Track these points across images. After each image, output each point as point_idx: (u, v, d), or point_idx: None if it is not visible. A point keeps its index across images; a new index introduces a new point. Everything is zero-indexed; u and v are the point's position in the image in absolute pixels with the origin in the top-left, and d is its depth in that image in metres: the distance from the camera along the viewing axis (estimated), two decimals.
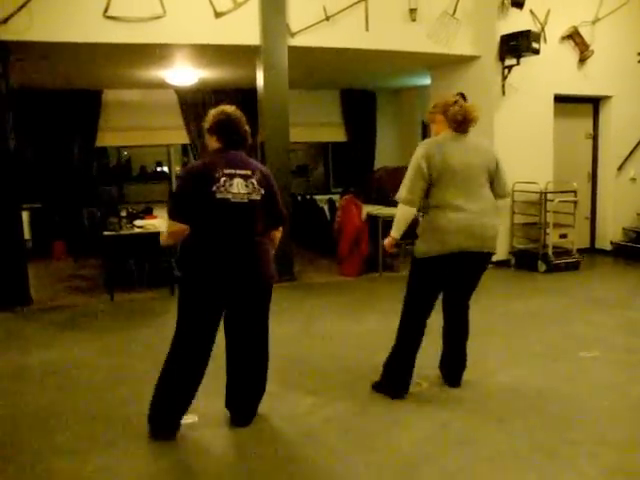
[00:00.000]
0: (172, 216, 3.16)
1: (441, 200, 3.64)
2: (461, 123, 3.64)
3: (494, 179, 3.77)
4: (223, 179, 3.12)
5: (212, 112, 3.33)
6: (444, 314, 3.98)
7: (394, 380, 3.86)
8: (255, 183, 3.22)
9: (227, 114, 3.27)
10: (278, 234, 3.47)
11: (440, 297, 3.88)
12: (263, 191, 3.25)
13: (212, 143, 3.31)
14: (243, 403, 3.50)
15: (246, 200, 3.17)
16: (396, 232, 3.80)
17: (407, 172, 3.71)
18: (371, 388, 3.96)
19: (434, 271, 3.72)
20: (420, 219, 3.82)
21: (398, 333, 3.87)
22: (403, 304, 3.85)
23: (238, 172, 3.16)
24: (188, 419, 3.46)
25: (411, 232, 3.87)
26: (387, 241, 3.89)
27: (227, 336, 3.41)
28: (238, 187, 3.15)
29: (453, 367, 4.00)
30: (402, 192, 3.70)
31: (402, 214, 3.74)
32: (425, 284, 3.78)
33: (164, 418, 3.37)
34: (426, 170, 3.60)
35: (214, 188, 3.09)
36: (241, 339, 3.39)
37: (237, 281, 3.23)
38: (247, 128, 3.32)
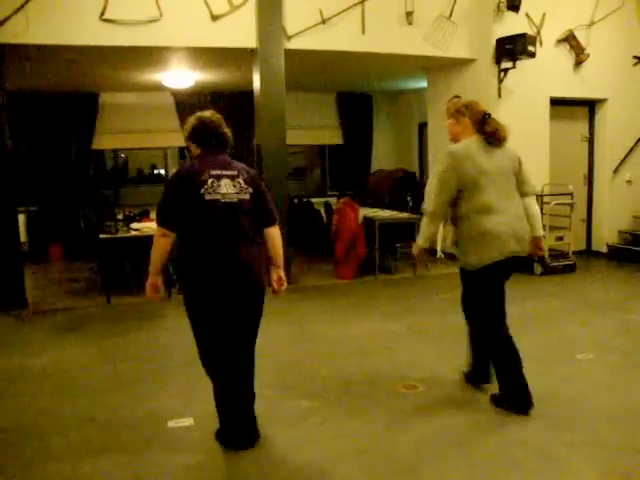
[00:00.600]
0: (160, 222, 3.17)
1: (480, 205, 3.55)
2: (496, 138, 3.65)
3: (519, 179, 3.74)
4: (210, 180, 3.14)
5: (189, 119, 3.39)
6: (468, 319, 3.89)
7: (514, 396, 3.64)
8: (242, 182, 3.24)
9: (202, 120, 3.31)
10: (273, 231, 3.38)
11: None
12: (251, 190, 3.26)
13: (193, 150, 3.37)
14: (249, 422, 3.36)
15: (235, 200, 3.18)
16: (422, 241, 3.73)
17: (432, 182, 3.64)
18: (490, 401, 3.76)
19: (494, 279, 3.62)
20: (453, 227, 3.73)
21: (492, 356, 3.77)
22: (478, 324, 3.77)
23: (224, 173, 3.19)
24: (184, 422, 3.46)
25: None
26: (415, 250, 3.82)
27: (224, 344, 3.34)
28: (226, 187, 3.17)
29: (485, 367, 3.92)
30: (428, 205, 3.64)
31: (427, 228, 3.69)
32: (490, 295, 3.66)
33: (234, 426, 3.30)
34: (454, 181, 3.54)
35: (202, 190, 3.11)
36: (233, 340, 3.31)
37: (231, 280, 3.19)
38: (226, 131, 3.34)
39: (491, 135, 3.64)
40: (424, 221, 3.71)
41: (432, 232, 3.69)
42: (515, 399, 3.61)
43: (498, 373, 3.70)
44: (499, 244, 3.51)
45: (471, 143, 3.63)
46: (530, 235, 3.70)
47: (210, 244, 3.15)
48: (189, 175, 3.18)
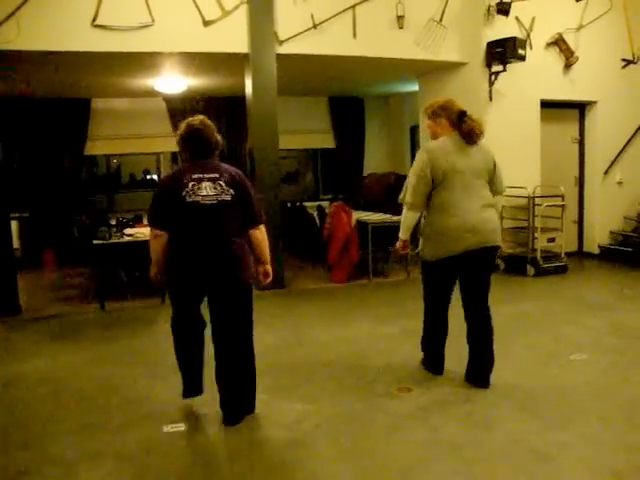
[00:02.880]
0: (150, 224, 3.48)
1: (445, 202, 3.80)
2: (470, 136, 3.84)
3: (492, 178, 3.95)
4: (191, 184, 3.33)
5: (181, 125, 3.55)
6: (466, 318, 4.05)
7: (429, 361, 4.26)
8: (223, 184, 3.39)
9: (191, 127, 3.48)
10: (258, 233, 3.54)
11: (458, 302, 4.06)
12: (232, 191, 3.40)
13: (183, 154, 3.58)
14: (229, 404, 3.58)
15: (215, 201, 3.35)
16: (403, 233, 4.02)
17: (410, 176, 3.89)
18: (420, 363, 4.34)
19: (445, 271, 3.94)
20: (422, 221, 3.98)
21: (423, 325, 4.25)
22: (424, 302, 4.18)
23: (206, 176, 3.37)
24: (179, 427, 3.46)
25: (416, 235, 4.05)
26: (398, 245, 4.10)
27: (212, 336, 3.57)
28: (207, 190, 3.34)
29: (480, 368, 4.02)
30: (405, 196, 3.91)
31: (406, 219, 3.95)
32: (438, 284, 4.04)
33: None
34: (429, 175, 3.77)
35: (184, 193, 3.31)
36: (221, 339, 3.51)
37: (212, 280, 3.43)
38: (215, 139, 3.50)
39: (467, 134, 3.85)
40: (404, 213, 3.97)
41: (411, 223, 3.96)
42: (432, 364, 4.22)
43: (425, 340, 4.28)
44: (454, 242, 3.80)
45: (448, 140, 3.86)
46: (497, 226, 3.94)
47: (191, 243, 3.39)
48: (173, 180, 3.43)
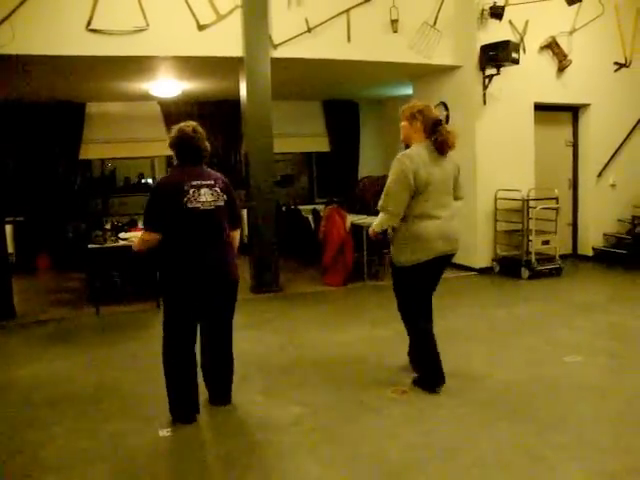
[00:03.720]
0: (147, 227, 3.58)
1: (422, 211, 3.86)
2: (442, 147, 3.87)
3: (455, 184, 4.05)
4: (192, 190, 3.49)
5: (173, 129, 3.68)
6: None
7: (427, 377, 4.08)
8: (219, 190, 3.61)
9: (180, 133, 3.60)
10: (236, 234, 3.82)
11: None
12: (225, 197, 3.63)
13: (175, 158, 3.68)
14: (218, 385, 3.89)
15: (213, 207, 3.56)
16: (377, 226, 4.04)
17: (390, 184, 3.86)
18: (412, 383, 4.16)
19: (419, 276, 3.95)
20: (395, 226, 3.98)
21: (410, 339, 4.26)
22: (403, 315, 4.16)
23: (204, 183, 3.55)
24: (172, 431, 3.46)
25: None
26: (370, 231, 4.14)
27: (203, 332, 3.83)
28: (205, 196, 3.52)
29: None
30: (388, 204, 3.87)
31: (385, 221, 3.97)
32: (413, 289, 4.02)
33: (178, 408, 3.71)
34: (412, 183, 3.78)
35: (185, 199, 3.46)
36: (217, 333, 3.80)
37: (211, 280, 3.60)
38: (204, 145, 3.64)
39: (440, 144, 3.87)
40: (382, 215, 3.96)
41: (388, 225, 4.00)
42: (432, 378, 4.02)
43: (417, 356, 4.21)
44: (428, 247, 3.87)
45: (423, 150, 3.88)
46: (459, 233, 4.05)
47: (193, 247, 3.53)
48: (172, 186, 3.53)
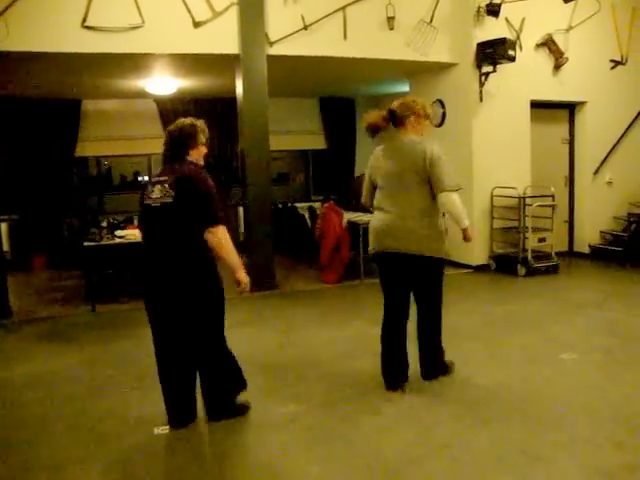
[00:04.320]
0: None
1: (375, 202, 4.01)
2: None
3: (430, 177, 3.75)
4: (149, 187, 3.46)
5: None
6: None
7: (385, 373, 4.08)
8: (167, 186, 3.37)
9: (168, 130, 3.58)
10: (211, 236, 3.33)
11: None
12: (174, 193, 3.33)
13: None
14: (207, 399, 3.63)
15: (159, 204, 3.38)
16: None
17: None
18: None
19: (378, 266, 4.09)
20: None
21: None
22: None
23: (159, 179, 3.43)
24: (167, 429, 3.45)
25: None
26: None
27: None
28: (156, 192, 3.40)
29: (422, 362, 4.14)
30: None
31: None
32: (380, 279, 4.12)
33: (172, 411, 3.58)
34: (368, 176, 4.07)
35: (144, 195, 3.47)
36: (174, 340, 3.53)
37: (149, 285, 3.49)
38: (179, 140, 3.51)
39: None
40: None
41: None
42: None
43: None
44: (375, 239, 3.96)
45: (384, 141, 3.99)
46: (419, 234, 3.81)
47: (144, 245, 3.54)
48: (144, 184, 3.66)
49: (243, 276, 3.44)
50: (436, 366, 4.14)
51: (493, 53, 7.46)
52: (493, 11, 7.57)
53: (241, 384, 3.67)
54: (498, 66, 7.63)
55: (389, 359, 4.02)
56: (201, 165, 3.56)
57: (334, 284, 7.55)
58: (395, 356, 4.01)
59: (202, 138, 3.55)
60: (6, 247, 9.04)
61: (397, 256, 3.87)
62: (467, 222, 3.87)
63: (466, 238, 3.98)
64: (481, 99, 7.90)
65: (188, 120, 3.56)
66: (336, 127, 11.86)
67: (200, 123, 3.56)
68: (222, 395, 3.62)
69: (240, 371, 3.66)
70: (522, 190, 7.91)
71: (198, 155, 3.55)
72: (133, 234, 6.87)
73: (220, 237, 3.34)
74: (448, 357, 4.24)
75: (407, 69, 8.61)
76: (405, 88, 9.68)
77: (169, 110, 10.30)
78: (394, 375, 4.01)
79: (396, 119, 3.90)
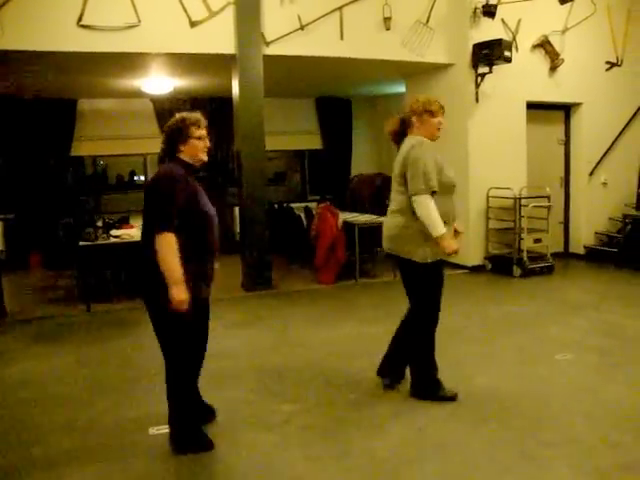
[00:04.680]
0: None
1: None
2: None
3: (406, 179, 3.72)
4: None
5: None
6: None
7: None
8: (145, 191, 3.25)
9: (163, 130, 3.40)
10: (158, 241, 3.02)
11: None
12: (145, 197, 3.18)
13: None
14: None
15: (141, 209, 3.23)
16: None
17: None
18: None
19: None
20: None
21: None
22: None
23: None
24: (165, 429, 3.45)
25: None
26: None
27: None
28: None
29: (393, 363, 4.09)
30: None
31: None
32: None
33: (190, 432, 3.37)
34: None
35: None
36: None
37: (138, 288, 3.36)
38: (166, 143, 3.30)
39: None
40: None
41: None
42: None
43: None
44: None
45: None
46: (392, 233, 3.83)
47: None
48: None
49: (175, 294, 3.00)
50: (420, 385, 3.87)
51: (489, 54, 7.48)
52: (489, 12, 7.59)
53: (200, 420, 3.47)
54: (494, 67, 7.64)
55: (385, 356, 4.07)
56: (193, 164, 3.26)
57: (330, 284, 7.55)
58: (390, 354, 4.05)
59: (194, 132, 3.22)
60: (1, 246, 9.03)
61: (390, 256, 4.03)
62: (441, 230, 3.56)
63: (445, 249, 3.61)
64: (477, 100, 7.91)
65: (179, 115, 3.29)
66: (332, 127, 11.87)
67: (192, 116, 3.26)
68: (180, 425, 3.33)
69: (205, 408, 3.56)
70: (518, 191, 7.92)
71: (192, 151, 3.22)
72: (128, 234, 6.86)
73: (161, 245, 3.01)
74: (443, 357, 4.21)
75: (403, 70, 8.62)
76: (401, 89, 9.69)
77: (165, 110, 10.27)
78: (383, 371, 4.07)
79: (405, 122, 3.90)
